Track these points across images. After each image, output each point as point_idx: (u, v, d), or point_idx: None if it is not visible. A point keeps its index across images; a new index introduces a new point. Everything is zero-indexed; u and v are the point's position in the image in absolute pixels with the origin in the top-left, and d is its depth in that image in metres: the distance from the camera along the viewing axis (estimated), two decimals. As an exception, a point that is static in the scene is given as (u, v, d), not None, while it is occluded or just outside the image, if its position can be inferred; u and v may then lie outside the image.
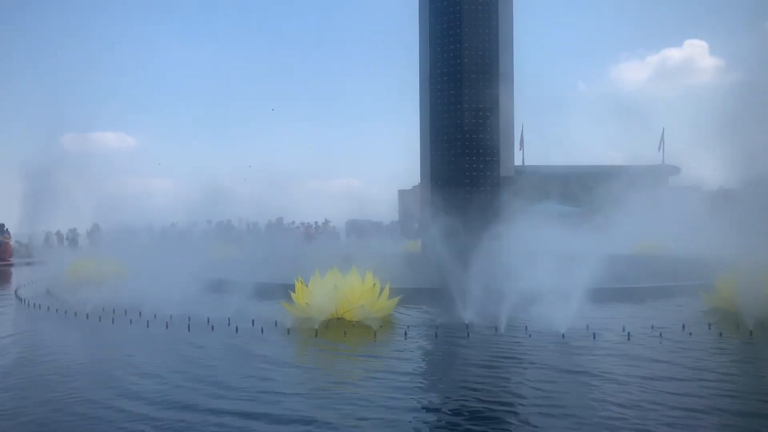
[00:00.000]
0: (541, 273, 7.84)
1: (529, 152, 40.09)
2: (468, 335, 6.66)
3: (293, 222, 31.27)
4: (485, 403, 4.25)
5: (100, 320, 8.14)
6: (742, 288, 7.40)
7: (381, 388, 4.68)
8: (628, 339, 6.33)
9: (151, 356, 6.12)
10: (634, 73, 76.89)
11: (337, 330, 7.14)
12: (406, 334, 6.81)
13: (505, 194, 15.27)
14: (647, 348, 5.98)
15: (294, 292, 7.77)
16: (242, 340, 6.67)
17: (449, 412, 4.13)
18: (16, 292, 11.84)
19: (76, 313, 8.59)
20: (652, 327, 6.86)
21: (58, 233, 29.52)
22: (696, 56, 72.54)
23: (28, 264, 22.21)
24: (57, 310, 9.05)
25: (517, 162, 22.91)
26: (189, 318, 7.63)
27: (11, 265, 22.60)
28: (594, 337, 6.38)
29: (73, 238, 28.92)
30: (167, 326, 7.45)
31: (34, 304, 9.73)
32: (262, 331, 7.02)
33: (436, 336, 6.75)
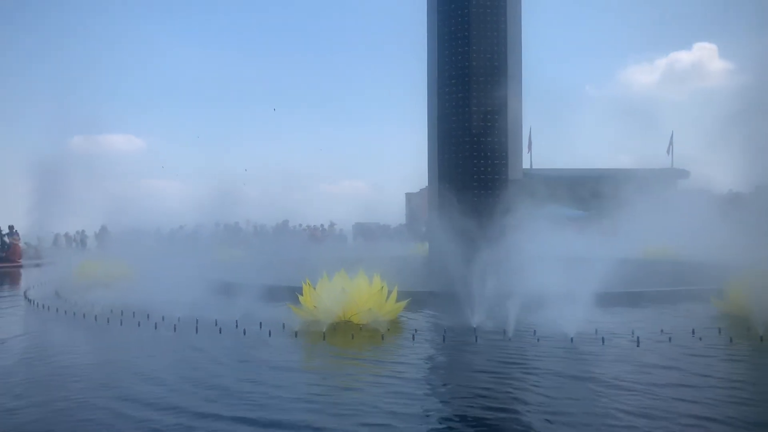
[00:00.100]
0: (549, 276, 7.80)
1: (537, 155, 40.02)
2: (476, 340, 6.63)
3: (300, 224, 31.33)
4: (492, 411, 4.23)
5: (108, 322, 8.16)
6: (753, 293, 7.34)
7: (387, 394, 4.66)
8: (638, 344, 6.29)
9: (156, 359, 6.13)
10: (643, 76, 76.56)
11: (344, 333, 7.13)
12: (413, 337, 6.79)
13: (513, 197, 15.23)
14: (656, 353, 5.94)
15: (301, 294, 7.77)
16: (250, 344, 6.68)
17: (455, 419, 4.10)
18: (25, 293, 11.91)
19: (84, 315, 8.62)
20: (662, 331, 6.81)
21: (67, 235, 29.71)
22: (705, 59, 72.14)
23: (37, 265, 22.32)
24: (66, 312, 9.09)
25: (525, 165, 22.86)
26: (197, 320, 7.63)
27: (20, 266, 22.73)
28: (603, 342, 6.34)
29: (81, 240, 29.09)
30: (175, 329, 7.46)
31: (43, 306, 9.77)
32: (270, 334, 7.02)
33: (443, 339, 6.73)
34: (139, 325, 7.85)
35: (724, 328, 6.99)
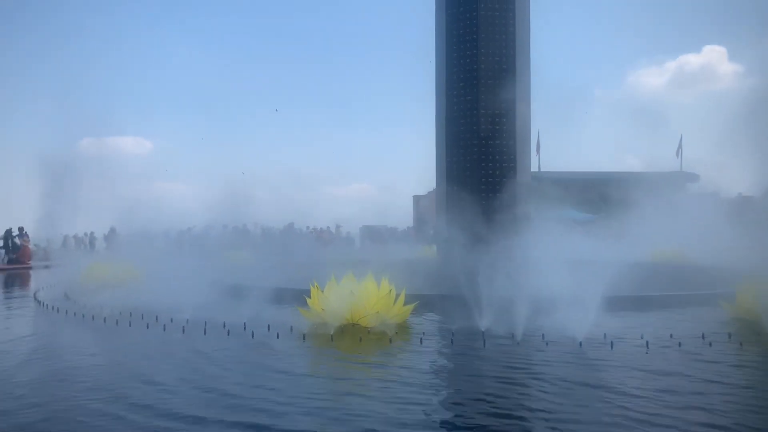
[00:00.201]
0: (558, 280, 7.77)
1: (545, 158, 39.95)
2: (484, 344, 6.60)
3: (308, 227, 31.35)
4: (498, 417, 4.19)
5: (117, 324, 8.19)
6: (763, 297, 7.29)
7: (393, 399, 4.63)
8: (647, 348, 6.25)
9: (163, 362, 6.13)
10: (652, 78, 76.20)
11: (352, 336, 7.13)
12: (421, 341, 6.78)
13: (521, 200, 15.20)
14: (666, 358, 5.90)
15: (309, 297, 7.78)
16: (258, 346, 6.68)
17: (461, 426, 4.08)
18: (34, 295, 11.98)
19: (93, 317, 8.65)
20: (671, 336, 6.76)
21: (76, 237, 29.85)
22: (715, 62, 71.73)
23: (47, 267, 22.43)
24: (75, 314, 9.13)
25: (534, 167, 22.79)
26: (205, 323, 7.65)
27: (30, 268, 22.87)
28: (612, 346, 6.30)
29: (90, 242, 29.24)
30: (183, 331, 7.47)
31: (53, 307, 9.82)
32: (278, 337, 7.02)
33: (452, 342, 6.71)
34: (147, 327, 7.88)
35: (734, 332, 6.94)
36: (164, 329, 7.65)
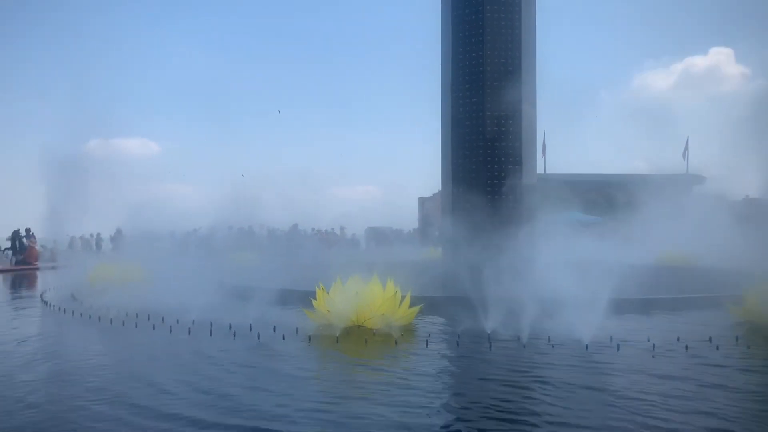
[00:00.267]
0: (564, 282, 7.75)
1: (551, 159, 39.88)
2: (490, 347, 6.58)
3: (313, 228, 31.35)
4: (503, 422, 4.18)
5: (123, 325, 8.22)
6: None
7: (397, 403, 4.62)
8: (653, 351, 6.23)
9: (167, 363, 6.14)
10: (658, 80, 76.11)
11: (358, 338, 7.13)
12: (426, 343, 6.77)
13: (527, 202, 15.18)
14: (673, 362, 5.88)
15: (315, 298, 7.79)
16: (263, 348, 6.69)
17: (466, 430, 4.07)
18: (41, 296, 12.04)
19: (99, 318, 8.68)
20: (678, 339, 6.73)
21: (83, 238, 29.93)
22: (721, 64, 71.57)
23: (53, 268, 22.49)
24: (81, 315, 9.16)
25: (539, 169, 22.75)
26: (211, 324, 7.67)
27: (37, 269, 22.95)
28: (618, 349, 6.28)
29: (97, 243, 29.33)
30: (189, 332, 7.49)
31: (59, 308, 9.86)
32: (284, 338, 7.03)
33: (457, 345, 6.70)
34: (153, 328, 7.90)
35: (742, 336, 6.91)
36: (170, 330, 7.67)
